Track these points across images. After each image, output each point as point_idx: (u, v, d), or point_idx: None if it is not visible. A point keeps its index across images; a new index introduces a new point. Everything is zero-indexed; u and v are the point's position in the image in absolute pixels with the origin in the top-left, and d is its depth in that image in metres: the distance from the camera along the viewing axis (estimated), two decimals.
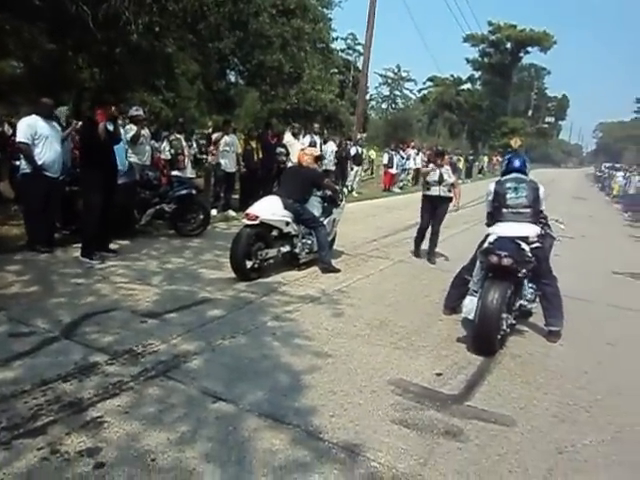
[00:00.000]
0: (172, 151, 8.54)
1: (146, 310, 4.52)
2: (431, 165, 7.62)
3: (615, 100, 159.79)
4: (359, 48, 55.21)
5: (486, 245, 4.52)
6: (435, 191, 7.37)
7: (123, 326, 4.11)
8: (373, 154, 22.29)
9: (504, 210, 4.78)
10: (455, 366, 3.94)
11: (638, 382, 3.97)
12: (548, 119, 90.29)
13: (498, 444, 2.93)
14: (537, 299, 4.80)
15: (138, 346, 3.72)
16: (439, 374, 3.77)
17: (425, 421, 3.10)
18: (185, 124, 9.69)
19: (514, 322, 4.54)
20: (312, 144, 12.08)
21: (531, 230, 4.59)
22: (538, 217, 4.82)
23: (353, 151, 15.18)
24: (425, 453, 2.78)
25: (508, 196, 4.77)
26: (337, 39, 38.07)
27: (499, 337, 4.27)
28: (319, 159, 7.78)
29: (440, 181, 7.30)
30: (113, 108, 7.00)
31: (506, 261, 4.24)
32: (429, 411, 3.22)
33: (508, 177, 4.93)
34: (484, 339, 4.19)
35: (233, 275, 5.73)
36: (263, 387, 3.30)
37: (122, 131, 7.39)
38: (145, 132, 8.47)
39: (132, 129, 8.12)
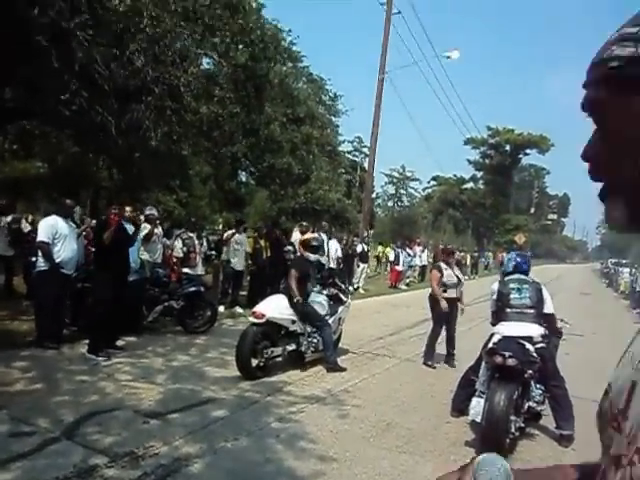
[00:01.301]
0: (184, 249, 8.81)
1: (149, 410, 4.48)
2: (443, 265, 7.45)
3: None
4: (365, 150, 58.09)
5: (490, 345, 4.54)
6: (452, 293, 7.13)
7: (125, 427, 4.06)
8: (380, 249, 22.60)
9: (508, 310, 4.84)
10: None
11: None
12: (551, 216, 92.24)
13: None
14: (546, 401, 4.71)
15: (139, 448, 3.67)
16: None
17: None
18: (197, 223, 10.06)
19: (523, 425, 4.43)
20: (321, 242, 12.42)
21: (535, 330, 4.62)
22: (541, 318, 4.86)
23: (359, 248, 15.49)
24: None
25: (512, 296, 4.86)
26: (344, 142, 40.17)
27: (508, 440, 4.16)
28: (309, 246, 6.95)
29: (458, 283, 7.20)
30: (128, 209, 7.41)
31: (511, 361, 4.23)
32: None
33: (511, 277, 5.03)
34: (492, 443, 4.07)
35: (238, 373, 5.70)
36: None
37: (129, 226, 7.74)
38: (158, 231, 8.81)
39: (146, 228, 8.45)
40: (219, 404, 4.79)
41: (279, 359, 6.13)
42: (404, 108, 33.27)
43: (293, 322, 6.25)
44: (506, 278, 5.08)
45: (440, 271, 7.19)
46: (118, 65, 8.86)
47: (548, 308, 4.95)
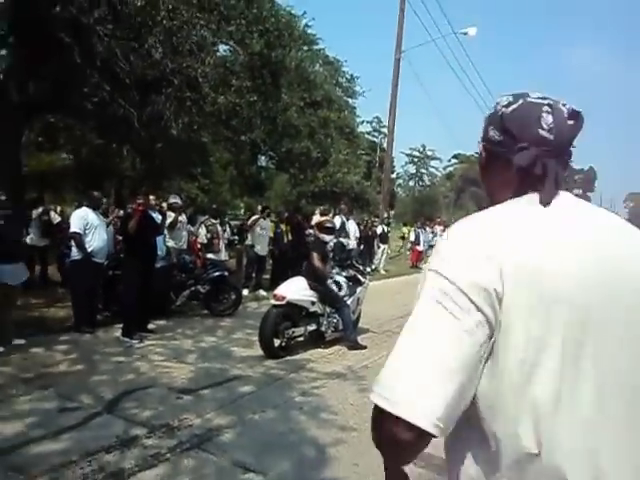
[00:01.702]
0: (208, 235, 9.11)
1: (181, 387, 4.80)
2: None
3: None
4: (384, 130, 57.75)
5: None
6: None
7: (160, 402, 4.39)
8: (405, 229, 22.63)
9: None
10: None
11: None
12: (576, 191, 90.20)
13: None
14: None
15: (174, 420, 3.99)
16: None
17: None
18: (219, 209, 10.35)
19: None
20: (342, 225, 12.63)
21: None
22: None
23: (379, 230, 15.64)
24: None
25: None
26: (363, 122, 40.01)
27: None
28: (324, 228, 7.14)
29: None
30: (152, 198, 7.72)
31: None
32: None
33: None
34: None
35: (262, 353, 5.99)
36: (290, 459, 3.49)
37: (157, 215, 8.05)
38: (182, 218, 9.13)
39: (170, 216, 8.77)
40: (246, 381, 5.09)
41: (301, 339, 6.41)
42: (422, 87, 32.91)
43: (313, 303, 6.50)
44: None
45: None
46: (137, 58, 9.10)
47: None
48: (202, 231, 9.24)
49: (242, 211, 25.72)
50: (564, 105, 1.05)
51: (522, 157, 1.01)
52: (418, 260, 18.40)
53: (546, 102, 1.04)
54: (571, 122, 1.04)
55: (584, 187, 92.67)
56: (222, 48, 10.21)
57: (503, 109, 1.07)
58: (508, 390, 0.88)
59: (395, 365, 0.91)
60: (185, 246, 9.22)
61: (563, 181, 1.04)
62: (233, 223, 13.70)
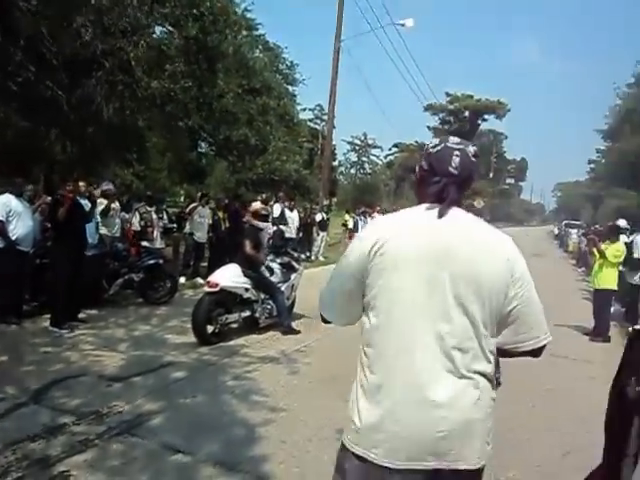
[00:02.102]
0: (142, 223, 8.96)
1: (112, 374, 4.79)
2: None
3: (571, 161, 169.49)
4: (326, 117, 58.04)
5: None
6: None
7: (90, 390, 4.37)
8: (347, 217, 22.82)
9: None
10: None
11: (566, 421, 4.40)
12: (509, 180, 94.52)
13: None
14: None
15: (103, 407, 4.00)
16: None
17: None
18: (154, 197, 10.15)
19: None
20: (282, 213, 12.73)
21: None
22: None
23: (318, 217, 15.84)
24: None
25: None
26: (305, 110, 40.00)
27: None
28: (259, 215, 7.36)
29: None
30: (82, 184, 7.50)
31: None
32: None
33: None
34: None
35: (196, 340, 6.03)
36: (219, 440, 3.61)
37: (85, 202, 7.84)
38: (115, 205, 8.92)
39: (102, 203, 8.55)
40: (178, 367, 5.15)
41: (234, 325, 6.49)
42: (362, 77, 33.34)
43: (247, 290, 6.59)
44: None
45: None
46: (66, 38, 8.75)
47: None
48: (136, 219, 9.07)
49: (182, 198, 25.19)
50: (473, 146, 1.65)
51: (434, 187, 1.60)
52: None
53: (457, 147, 1.61)
54: (474, 159, 1.64)
55: (516, 176, 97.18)
56: (158, 31, 9.96)
57: (430, 149, 1.65)
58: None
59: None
60: (119, 234, 9.03)
61: (462, 200, 1.64)
62: (171, 210, 13.46)
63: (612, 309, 8.40)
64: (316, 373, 5.23)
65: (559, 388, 5.34)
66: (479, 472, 1.56)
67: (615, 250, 7.93)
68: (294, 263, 7.40)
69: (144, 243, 8.83)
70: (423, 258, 1.54)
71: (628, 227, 10.75)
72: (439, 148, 1.62)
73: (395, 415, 1.52)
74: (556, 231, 43.97)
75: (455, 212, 1.58)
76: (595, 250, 8.21)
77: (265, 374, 5.12)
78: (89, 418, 3.80)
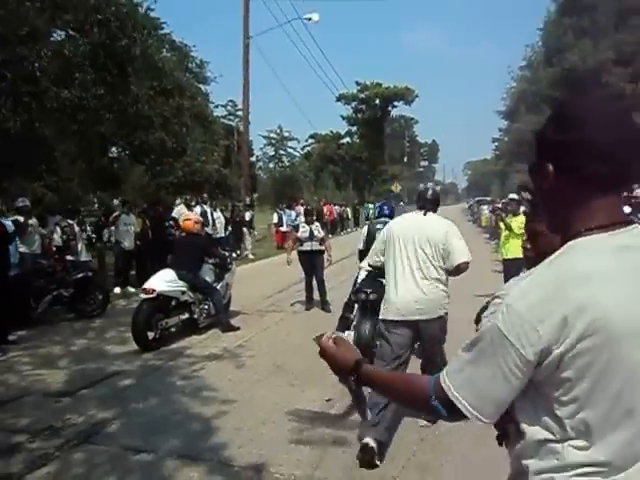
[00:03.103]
0: (64, 237, 8.73)
1: (58, 390, 4.81)
2: (302, 224, 8.52)
3: (478, 141, 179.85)
4: (240, 113, 57.45)
5: (357, 285, 5.43)
6: (307, 246, 8.29)
7: (38, 408, 4.39)
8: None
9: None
10: (341, 392, 4.67)
11: None
12: (422, 163, 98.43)
13: None
14: None
15: (57, 422, 4.06)
16: (328, 400, 4.50)
17: (317, 437, 3.80)
18: (73, 208, 9.87)
19: None
20: (203, 214, 12.73)
21: None
22: None
23: (248, 216, 15.96)
24: (316, 460, 3.47)
25: (378, 234, 5.83)
26: (217, 107, 39.49)
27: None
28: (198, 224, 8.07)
29: (311, 237, 8.23)
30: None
31: (372, 296, 5.14)
32: (320, 429, 3.93)
33: (379, 220, 6.04)
34: None
35: (137, 347, 6.10)
36: (177, 435, 3.82)
37: (8, 222, 7.57)
38: (32, 221, 8.64)
39: (19, 220, 8.27)
40: (125, 375, 5.24)
41: (174, 329, 6.61)
42: (273, 71, 33.50)
43: (183, 292, 6.72)
44: (374, 221, 6.09)
45: (297, 230, 8.56)
46: None
47: None
48: (57, 234, 8.81)
49: (96, 206, 24.21)
50: (436, 185, 2.85)
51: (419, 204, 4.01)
52: (283, 241, 19.09)
53: (431, 187, 4.41)
54: (437, 192, 4.20)
55: (429, 158, 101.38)
56: (61, 38, 9.63)
57: (421, 190, 4.24)
58: None
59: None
60: (39, 250, 8.77)
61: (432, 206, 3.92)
62: (89, 220, 13.05)
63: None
64: (260, 365, 5.51)
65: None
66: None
67: (519, 222, 8.79)
68: (225, 263, 7.57)
69: (69, 257, 8.64)
70: (410, 231, 3.72)
71: (522, 198, 11.77)
72: (422, 188, 3.88)
73: (400, 300, 3.67)
74: (469, 208, 46.44)
75: (429, 214, 3.85)
76: (502, 224, 9.03)
77: (211, 371, 5.33)
78: (44, 434, 3.86)
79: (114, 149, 19.57)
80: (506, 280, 8.90)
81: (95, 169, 19.53)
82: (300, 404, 4.40)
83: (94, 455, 3.52)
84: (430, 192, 3.99)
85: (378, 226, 5.92)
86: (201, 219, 8.16)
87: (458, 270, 3.76)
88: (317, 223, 8.53)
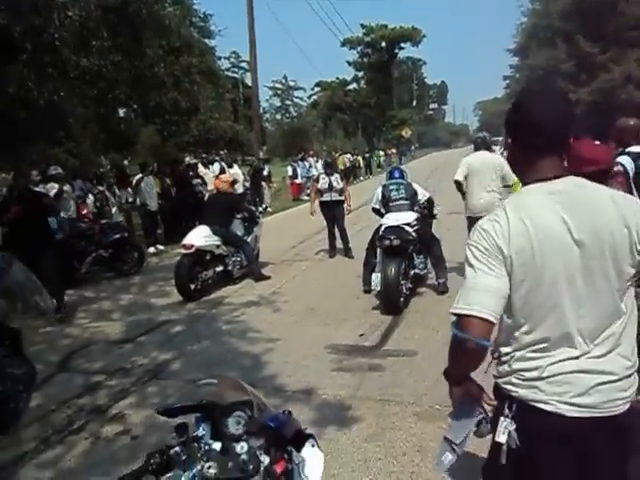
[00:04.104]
0: (98, 204, 9.20)
1: (119, 339, 5.40)
2: (322, 175, 8.86)
3: (488, 79, 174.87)
4: (244, 65, 56.47)
5: (380, 233, 5.86)
6: (327, 197, 8.67)
7: (105, 354, 4.98)
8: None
9: (390, 204, 6.22)
10: (372, 327, 5.22)
11: None
12: (432, 106, 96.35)
13: (406, 368, 4.23)
14: (428, 265, 6.22)
15: (126, 364, 4.65)
16: (361, 334, 5.02)
17: (355, 365, 4.33)
18: (102, 174, 10.28)
19: (411, 286, 5.92)
20: (222, 170, 13.12)
21: (411, 216, 6.01)
22: (415, 206, 6.26)
23: (266, 171, 16.27)
24: (357, 383, 4.01)
25: (392, 194, 6.23)
26: (220, 59, 38.92)
27: (402, 299, 5.62)
28: (234, 183, 8.79)
29: (330, 188, 8.59)
30: (34, 173, 7.64)
31: (396, 242, 5.60)
32: (357, 358, 4.46)
33: (391, 181, 6.42)
34: (390, 303, 5.52)
35: (180, 298, 6.66)
36: (234, 369, 4.37)
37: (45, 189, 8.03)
38: (67, 187, 9.10)
39: (54, 187, 8.72)
40: (175, 323, 5.80)
41: (211, 281, 7.14)
42: (276, 19, 32.71)
43: (218, 247, 7.21)
44: (386, 183, 6.45)
45: (317, 181, 8.90)
46: None
47: (424, 195, 6.40)
48: (90, 202, 9.27)
49: (108, 167, 24.55)
50: None
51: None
52: (299, 193, 19.45)
53: None
54: None
55: (438, 100, 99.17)
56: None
57: None
58: None
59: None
60: (75, 215, 9.26)
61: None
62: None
63: None
64: (295, 308, 6.04)
65: None
66: None
67: None
68: (254, 216, 8.01)
69: (104, 220, 9.13)
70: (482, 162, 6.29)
71: None
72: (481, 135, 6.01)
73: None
74: None
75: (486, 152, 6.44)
76: None
77: (252, 316, 5.87)
78: (118, 374, 4.45)
79: (121, 111, 19.71)
80: None
81: (106, 131, 19.79)
82: (336, 339, 4.92)
83: (165, 388, 4.10)
84: (482, 139, 6.84)
85: (391, 187, 6.35)
86: (232, 178, 8.55)
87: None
88: (336, 174, 8.86)
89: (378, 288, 5.64)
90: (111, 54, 9.17)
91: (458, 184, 6.44)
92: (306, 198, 19.46)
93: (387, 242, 5.61)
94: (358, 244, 8.89)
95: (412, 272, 5.99)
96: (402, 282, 5.61)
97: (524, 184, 1.50)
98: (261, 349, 4.80)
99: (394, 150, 49.77)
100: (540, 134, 1.44)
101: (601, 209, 1.39)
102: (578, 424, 1.38)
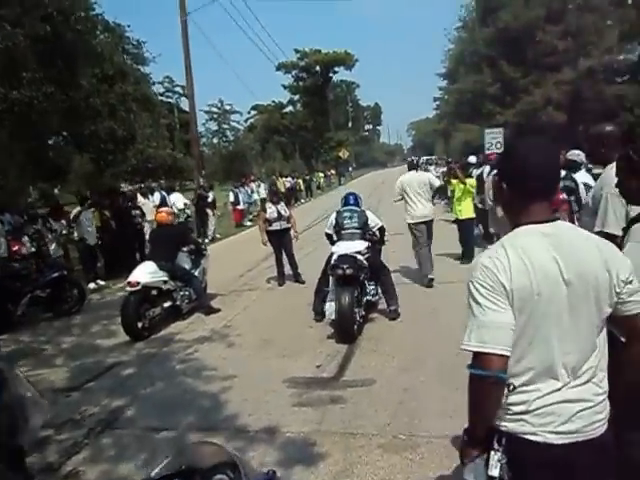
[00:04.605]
0: (34, 244, 8.77)
1: (65, 386, 5.13)
2: (268, 204, 8.86)
3: (419, 100, 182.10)
4: (178, 89, 55.91)
5: (332, 262, 5.94)
6: (277, 226, 8.66)
7: (51, 404, 4.65)
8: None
9: (342, 232, 6.34)
10: (329, 357, 5.24)
11: (450, 335, 5.61)
12: (367, 127, 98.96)
13: (366, 397, 4.27)
14: (378, 292, 6.33)
15: (75, 414, 4.41)
16: (318, 366, 5.03)
17: (315, 398, 4.33)
18: (32, 213, 9.79)
19: (363, 313, 6.01)
20: (162, 199, 12.85)
21: (362, 245, 6.14)
22: (366, 235, 6.40)
23: (210, 197, 16.06)
24: (319, 418, 4.00)
25: (345, 222, 6.37)
26: (154, 84, 38.35)
27: (356, 327, 5.69)
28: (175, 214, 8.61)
29: (280, 217, 8.63)
30: None
31: (349, 271, 5.68)
32: (316, 391, 4.46)
33: (345, 209, 6.54)
34: (344, 331, 5.58)
35: (128, 338, 6.42)
36: (191, 412, 4.26)
37: None
38: None
39: None
40: (125, 365, 5.58)
41: (159, 318, 6.93)
42: (211, 45, 32.75)
43: (165, 282, 7.02)
44: (340, 209, 6.57)
45: (265, 210, 8.87)
46: None
47: (377, 224, 6.55)
48: (26, 243, 8.81)
49: (36, 198, 23.40)
50: None
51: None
52: (241, 219, 19.31)
53: None
54: None
55: (373, 121, 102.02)
56: None
57: None
58: None
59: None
60: (6, 254, 8.76)
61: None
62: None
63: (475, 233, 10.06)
64: (249, 341, 5.97)
65: (442, 307, 6.60)
66: None
67: (471, 181, 9.49)
68: (201, 248, 7.88)
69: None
70: (413, 179, 8.10)
71: (475, 162, 12.50)
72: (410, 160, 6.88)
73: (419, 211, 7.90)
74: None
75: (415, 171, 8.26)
76: (458, 179, 9.46)
77: (205, 352, 5.75)
78: (67, 426, 4.21)
79: (50, 140, 18.93)
80: (462, 240, 9.63)
81: (35, 161, 18.91)
82: (294, 372, 4.90)
83: (121, 438, 3.93)
84: (413, 162, 8.61)
85: (345, 214, 6.49)
86: (173, 210, 8.41)
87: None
88: (282, 202, 8.90)
89: (332, 317, 5.69)
90: (44, 85, 8.82)
91: (396, 202, 8.23)
92: (249, 224, 19.41)
93: (340, 271, 5.68)
94: (307, 268, 8.96)
95: (364, 299, 6.08)
96: (356, 310, 5.69)
97: (516, 225, 1.61)
98: (218, 387, 4.70)
99: (333, 171, 50.64)
100: (536, 181, 1.57)
101: (586, 252, 1.54)
102: (565, 450, 1.49)
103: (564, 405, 1.51)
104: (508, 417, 1.54)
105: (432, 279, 7.67)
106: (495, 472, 1.53)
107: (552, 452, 1.49)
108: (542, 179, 1.59)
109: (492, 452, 1.56)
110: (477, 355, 1.50)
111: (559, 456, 1.49)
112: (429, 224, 8.01)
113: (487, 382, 1.49)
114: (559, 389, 1.51)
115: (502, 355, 1.47)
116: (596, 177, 3.81)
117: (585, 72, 24.08)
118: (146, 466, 3.48)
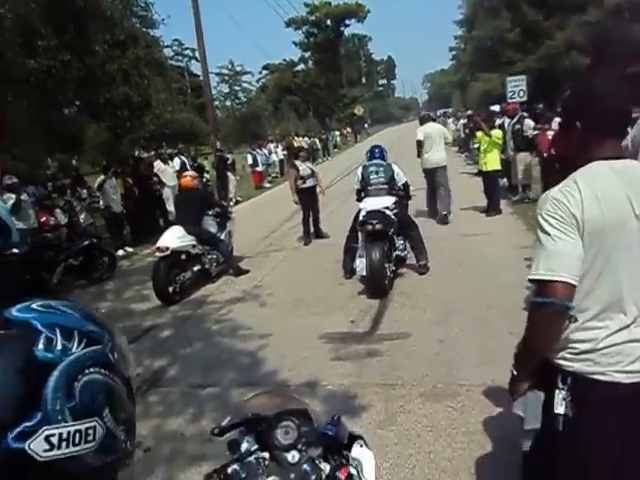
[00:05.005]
0: (66, 216, 8.90)
1: None
2: (298, 162, 8.83)
3: (434, 51, 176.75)
4: (187, 52, 55.06)
5: (361, 218, 5.92)
6: (310, 182, 8.71)
7: None
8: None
9: (369, 188, 6.30)
10: (362, 312, 5.29)
11: (480, 288, 5.61)
12: (381, 81, 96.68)
13: (402, 350, 4.32)
14: (407, 246, 6.32)
15: None
16: (352, 321, 5.09)
17: (352, 352, 4.39)
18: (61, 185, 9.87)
19: (394, 268, 6.01)
20: (183, 165, 12.84)
21: (389, 200, 6.09)
22: (394, 190, 6.34)
23: (230, 160, 16.03)
24: (358, 371, 4.07)
25: (371, 177, 6.31)
26: (165, 47, 37.77)
27: (387, 282, 5.71)
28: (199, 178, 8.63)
29: (312, 173, 8.66)
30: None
31: (378, 226, 5.66)
32: (353, 346, 4.52)
33: (371, 163, 6.46)
34: (376, 286, 5.61)
35: (160, 303, 6.53)
36: (232, 370, 4.37)
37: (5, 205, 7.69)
38: (24, 197, 8.72)
39: (11, 197, 8.35)
40: (162, 327, 5.72)
41: (189, 281, 7.03)
42: (220, 5, 31.90)
43: (193, 246, 7.09)
44: (366, 164, 6.50)
45: (296, 168, 8.77)
46: None
47: (401, 179, 6.46)
48: (59, 215, 8.95)
49: (54, 170, 23.58)
50: None
51: None
52: (260, 180, 19.28)
53: None
54: None
55: (387, 75, 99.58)
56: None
57: None
58: None
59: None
60: (36, 224, 8.90)
61: None
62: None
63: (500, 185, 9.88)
64: (281, 301, 6.04)
65: (469, 260, 6.58)
66: None
67: (497, 132, 9.22)
68: (226, 211, 7.91)
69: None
70: (433, 129, 9.33)
71: (499, 110, 12.16)
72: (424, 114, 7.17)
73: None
74: None
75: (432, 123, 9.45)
76: (483, 132, 9.23)
77: (239, 313, 5.84)
78: None
79: (66, 110, 18.91)
80: (487, 192, 9.47)
81: (51, 132, 18.97)
82: (329, 328, 4.97)
83: (167, 395, 4.06)
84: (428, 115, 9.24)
85: (371, 169, 6.39)
86: (196, 174, 8.40)
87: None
88: (308, 161, 8.88)
89: (363, 273, 5.71)
90: (60, 53, 8.74)
91: (419, 143, 8.92)
92: (268, 185, 19.39)
93: (369, 227, 5.67)
94: (332, 226, 8.98)
95: (394, 254, 6.08)
96: (386, 265, 5.69)
97: (586, 162, 1.59)
98: (255, 346, 4.80)
99: (349, 129, 49.88)
100: (617, 118, 1.60)
101: None
102: (633, 388, 1.50)
103: (632, 345, 1.51)
104: (573, 356, 1.54)
105: (446, 214, 8.70)
106: (561, 409, 1.54)
107: (620, 391, 1.50)
108: (622, 117, 1.64)
109: (557, 391, 1.56)
110: (543, 284, 1.50)
111: (627, 395, 1.50)
112: (442, 169, 9.00)
113: (550, 310, 1.49)
114: (627, 326, 1.51)
115: (568, 283, 1.46)
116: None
117: (611, 11, 22.90)
118: (195, 420, 3.61)
